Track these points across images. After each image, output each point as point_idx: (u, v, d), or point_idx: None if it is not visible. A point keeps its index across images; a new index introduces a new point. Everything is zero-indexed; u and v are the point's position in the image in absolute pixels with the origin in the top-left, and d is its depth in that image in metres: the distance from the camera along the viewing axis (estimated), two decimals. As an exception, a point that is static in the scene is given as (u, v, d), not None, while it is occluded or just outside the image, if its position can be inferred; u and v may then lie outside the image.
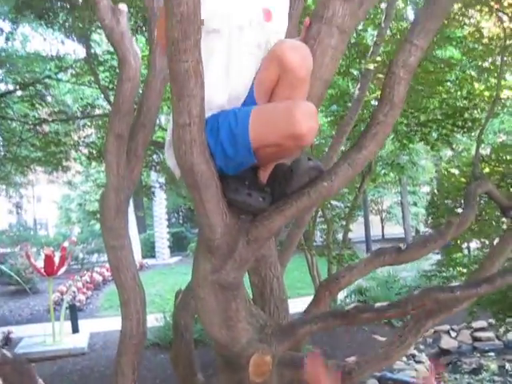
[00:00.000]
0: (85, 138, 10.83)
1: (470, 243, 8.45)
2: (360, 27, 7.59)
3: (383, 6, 7.02)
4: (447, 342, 9.71)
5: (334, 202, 10.97)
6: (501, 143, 9.39)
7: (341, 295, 10.53)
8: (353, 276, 2.94)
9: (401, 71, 2.02)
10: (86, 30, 8.55)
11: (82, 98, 11.49)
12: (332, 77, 2.27)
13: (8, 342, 9.88)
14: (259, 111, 1.90)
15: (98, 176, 19.30)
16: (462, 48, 7.47)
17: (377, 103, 2.15)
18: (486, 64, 7.41)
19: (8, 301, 14.42)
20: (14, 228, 24.85)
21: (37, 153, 10.92)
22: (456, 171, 7.69)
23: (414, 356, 8.68)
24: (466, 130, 7.71)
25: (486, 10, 6.19)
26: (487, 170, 5.91)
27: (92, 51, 9.42)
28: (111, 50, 7.42)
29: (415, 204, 24.43)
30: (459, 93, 7.73)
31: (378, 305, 2.41)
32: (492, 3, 5.96)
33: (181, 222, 29.58)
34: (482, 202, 5.55)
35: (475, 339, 9.86)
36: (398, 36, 6.84)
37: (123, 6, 2.56)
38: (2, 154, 11.29)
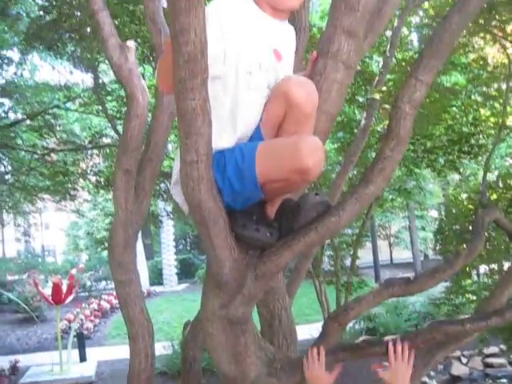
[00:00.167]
0: (92, 166, 10.90)
1: (479, 269, 8.40)
2: (365, 54, 7.64)
3: (388, 33, 7.08)
4: (458, 369, 9.55)
5: (341, 229, 10.90)
6: (507, 170, 9.38)
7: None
8: (362, 308, 2.91)
9: (406, 106, 2.03)
10: (94, 60, 8.64)
11: (89, 128, 11.57)
12: (338, 111, 2.29)
13: (15, 371, 9.84)
14: (265, 146, 1.92)
15: (106, 204, 19.33)
16: (466, 74, 7.51)
17: (384, 138, 2.16)
18: (492, 89, 7.45)
19: (16, 329, 14.40)
20: (22, 255, 24.89)
21: (45, 182, 10.99)
22: (464, 195, 7.68)
23: (424, 383, 8.56)
24: (472, 155, 7.71)
25: (489, 37, 6.23)
26: (494, 196, 5.91)
27: (100, 81, 9.51)
28: (119, 79, 7.48)
29: (423, 228, 24.28)
30: (465, 119, 7.74)
31: (387, 338, 2.39)
32: (495, 31, 6.00)
33: (188, 248, 29.53)
34: (490, 227, 5.53)
35: (487, 365, 9.68)
36: (403, 64, 6.88)
37: (131, 43, 2.59)
38: (11, 182, 11.38)
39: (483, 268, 7.85)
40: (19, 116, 11.30)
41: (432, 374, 9.18)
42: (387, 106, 5.86)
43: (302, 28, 3.06)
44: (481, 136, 7.77)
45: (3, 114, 11.14)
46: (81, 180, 11.10)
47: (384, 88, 5.88)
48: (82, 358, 10.31)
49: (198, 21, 1.58)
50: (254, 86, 1.99)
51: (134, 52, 2.60)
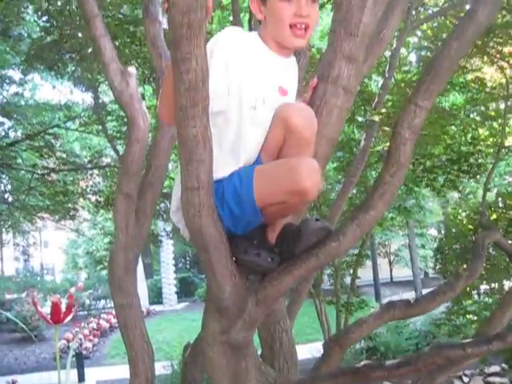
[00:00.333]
0: (92, 186, 10.91)
1: (479, 288, 8.38)
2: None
3: (387, 53, 7.12)
4: (460, 388, 9.50)
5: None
6: (506, 189, 9.39)
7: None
8: (363, 331, 2.91)
9: (406, 132, 2.04)
10: (94, 80, 8.70)
11: (89, 147, 11.61)
12: (338, 135, 2.30)
13: (13, 391, 9.78)
14: (262, 169, 1.92)
15: (105, 224, 19.32)
16: (465, 93, 7.55)
17: (384, 163, 2.17)
18: (490, 109, 7.48)
19: (14, 348, 14.31)
20: (21, 274, 24.80)
21: (45, 201, 10.99)
22: (463, 214, 7.68)
23: (425, 404, 8.48)
24: (471, 175, 7.73)
25: (487, 58, 6.27)
26: (494, 216, 5.92)
27: (100, 101, 9.57)
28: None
29: (423, 246, 24.30)
30: (464, 138, 7.77)
31: (388, 362, 2.39)
32: (493, 52, 6.05)
33: (188, 266, 29.47)
34: (490, 247, 5.54)
35: (488, 385, 9.65)
36: (402, 85, 6.92)
37: (132, 69, 2.61)
38: (11, 201, 11.38)
39: (483, 286, 7.84)
40: (19, 135, 11.34)
41: (433, 394, 9.10)
42: (387, 129, 5.88)
43: (301, 50, 3.09)
44: (479, 155, 7.79)
45: (4, 134, 11.19)
46: (81, 199, 11.11)
47: (383, 110, 5.91)
48: (81, 378, 10.26)
49: (199, 49, 1.59)
50: (259, 122, 1.98)
51: (135, 77, 2.62)
